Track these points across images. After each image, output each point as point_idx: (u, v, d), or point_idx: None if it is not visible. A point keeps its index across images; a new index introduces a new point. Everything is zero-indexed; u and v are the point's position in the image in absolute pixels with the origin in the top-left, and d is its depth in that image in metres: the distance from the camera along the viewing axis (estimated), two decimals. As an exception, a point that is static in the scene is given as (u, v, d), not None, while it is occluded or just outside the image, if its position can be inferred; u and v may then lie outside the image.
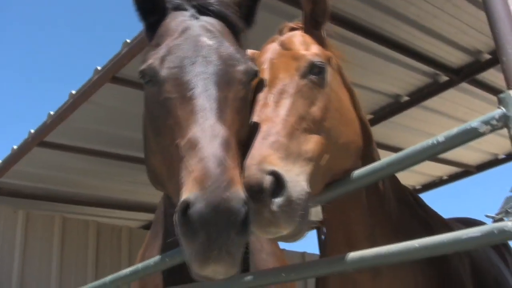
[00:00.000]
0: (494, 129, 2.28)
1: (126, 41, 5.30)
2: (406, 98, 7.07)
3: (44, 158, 7.38)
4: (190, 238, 1.89)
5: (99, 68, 5.65)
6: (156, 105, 2.37)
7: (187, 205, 1.87)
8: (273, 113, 2.45)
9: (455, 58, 6.34)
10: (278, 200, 2.12)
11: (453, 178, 9.82)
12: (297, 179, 2.22)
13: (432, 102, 6.95)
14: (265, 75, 2.65)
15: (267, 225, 2.14)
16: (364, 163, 2.77)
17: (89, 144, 7.16)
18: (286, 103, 2.51)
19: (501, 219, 2.63)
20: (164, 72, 2.33)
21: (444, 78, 6.65)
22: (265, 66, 2.71)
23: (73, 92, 6.04)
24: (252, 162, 2.18)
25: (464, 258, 3.68)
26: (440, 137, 2.33)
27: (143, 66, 2.40)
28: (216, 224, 1.85)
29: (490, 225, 2.16)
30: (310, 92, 2.62)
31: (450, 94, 6.84)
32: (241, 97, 2.40)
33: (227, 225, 1.86)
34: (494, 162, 9.25)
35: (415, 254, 2.33)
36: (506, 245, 5.58)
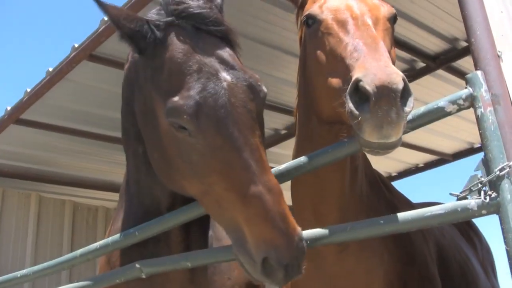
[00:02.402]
0: (460, 108, 2.34)
1: (103, 19, 5.27)
2: (383, 84, 7.03)
3: (21, 136, 7.32)
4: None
5: (76, 45, 5.61)
6: (194, 152, 2.45)
7: None
8: (375, 34, 2.56)
9: (432, 45, 6.37)
10: (407, 108, 2.20)
11: (429, 165, 9.90)
12: None
13: (408, 88, 6.97)
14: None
15: (388, 125, 2.18)
16: None
17: (65, 122, 7.11)
18: (381, 34, 2.65)
19: (464, 198, 2.65)
20: (203, 126, 2.40)
21: (420, 64, 6.68)
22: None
23: (50, 69, 5.99)
24: (386, 63, 2.28)
25: (429, 240, 3.75)
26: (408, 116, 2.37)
27: (178, 119, 2.43)
28: None
29: (453, 203, 2.22)
30: (391, 36, 2.82)
31: (426, 80, 6.86)
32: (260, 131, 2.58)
33: None
34: (470, 151, 9.31)
35: (380, 230, 2.39)
36: (476, 232, 5.66)
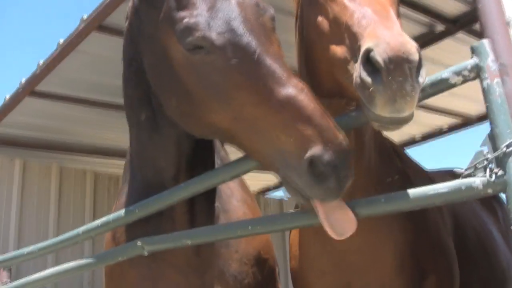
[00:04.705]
0: (466, 79, 2.21)
1: (111, -11, 5.19)
2: (402, 48, 6.85)
3: (37, 108, 7.32)
4: None
5: (85, 17, 5.53)
6: (214, 72, 2.37)
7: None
8: (384, 1, 2.40)
9: (452, 8, 6.15)
10: (421, 78, 2.06)
11: (453, 128, 9.70)
12: None
13: (429, 51, 6.74)
14: None
15: (402, 98, 2.04)
16: None
17: (80, 93, 7.10)
18: (388, 1, 2.45)
19: (469, 175, 2.52)
20: (218, 40, 2.34)
21: (440, 27, 6.48)
22: None
23: (61, 41, 5.94)
24: (399, 32, 2.12)
25: (445, 212, 3.64)
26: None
27: (191, 38, 2.37)
28: None
29: (458, 181, 2.12)
30: (397, 5, 2.64)
31: (446, 43, 6.66)
32: (279, 41, 2.52)
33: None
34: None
35: (381, 208, 2.29)
36: (499, 202, 5.49)
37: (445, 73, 2.21)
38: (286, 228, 2.62)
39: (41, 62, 6.30)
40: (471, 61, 2.18)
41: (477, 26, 6.37)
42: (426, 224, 3.33)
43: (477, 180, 2.05)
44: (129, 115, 3.10)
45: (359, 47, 2.18)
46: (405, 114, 2.11)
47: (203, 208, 3.10)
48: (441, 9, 6.15)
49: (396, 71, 1.99)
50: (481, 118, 9.24)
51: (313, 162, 2.08)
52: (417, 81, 2.04)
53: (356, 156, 3.06)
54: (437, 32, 6.55)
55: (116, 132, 8.29)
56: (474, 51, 2.20)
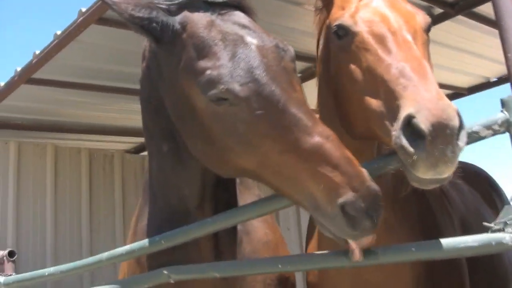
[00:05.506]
0: (495, 133, 2.23)
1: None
2: (401, 29, 6.80)
3: (33, 93, 7.27)
4: None
5: (83, 9, 5.43)
6: (239, 122, 2.37)
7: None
8: (420, 56, 2.39)
9: (450, -9, 6.10)
10: (461, 143, 2.08)
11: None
12: None
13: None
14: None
15: (444, 164, 2.07)
16: None
17: (77, 78, 7.03)
18: (421, 50, 2.47)
19: (499, 230, 2.58)
20: (242, 91, 2.33)
21: (438, 10, 6.44)
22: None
23: (58, 32, 5.84)
24: (439, 94, 2.13)
25: (454, 220, 3.72)
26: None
27: (215, 91, 2.36)
28: None
29: (488, 236, 2.16)
30: (428, 49, 2.64)
31: (447, 25, 6.61)
32: (300, 84, 2.53)
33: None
34: (485, 85, 9.16)
35: (411, 256, 2.35)
36: (498, 192, 5.56)
37: (475, 127, 2.23)
38: (315, 268, 2.69)
39: (38, 52, 6.20)
40: (501, 115, 2.20)
41: (477, 9, 6.34)
42: (435, 223, 3.42)
43: (507, 236, 2.10)
44: (149, 144, 3.09)
45: (397, 107, 2.20)
46: (446, 175, 2.15)
47: (226, 232, 3.13)
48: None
49: (438, 139, 2.02)
50: (471, 90, 9.30)
51: (345, 208, 2.10)
52: (458, 146, 2.07)
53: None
54: (435, 15, 6.49)
55: (111, 112, 8.32)
56: (504, 105, 2.21)
